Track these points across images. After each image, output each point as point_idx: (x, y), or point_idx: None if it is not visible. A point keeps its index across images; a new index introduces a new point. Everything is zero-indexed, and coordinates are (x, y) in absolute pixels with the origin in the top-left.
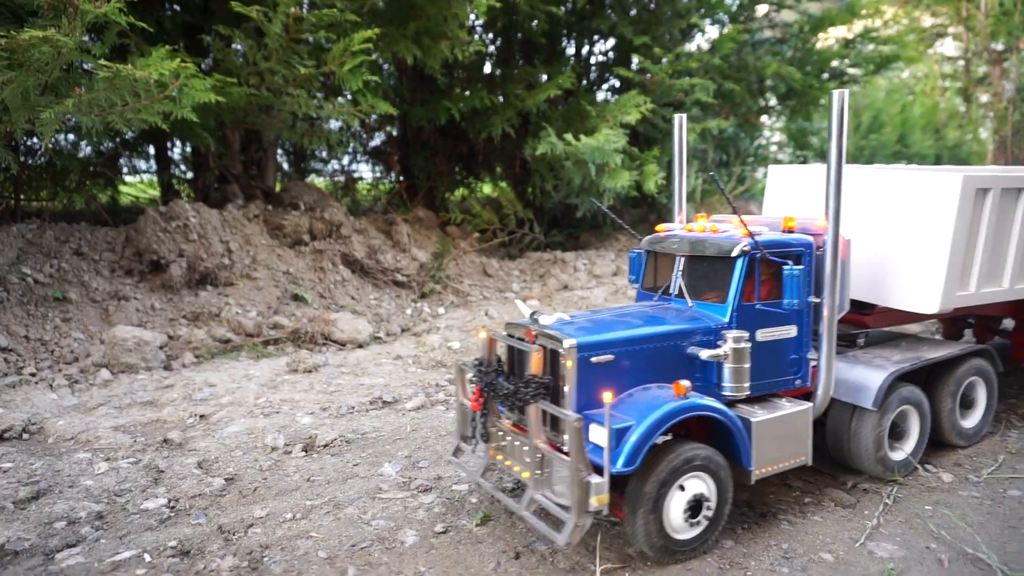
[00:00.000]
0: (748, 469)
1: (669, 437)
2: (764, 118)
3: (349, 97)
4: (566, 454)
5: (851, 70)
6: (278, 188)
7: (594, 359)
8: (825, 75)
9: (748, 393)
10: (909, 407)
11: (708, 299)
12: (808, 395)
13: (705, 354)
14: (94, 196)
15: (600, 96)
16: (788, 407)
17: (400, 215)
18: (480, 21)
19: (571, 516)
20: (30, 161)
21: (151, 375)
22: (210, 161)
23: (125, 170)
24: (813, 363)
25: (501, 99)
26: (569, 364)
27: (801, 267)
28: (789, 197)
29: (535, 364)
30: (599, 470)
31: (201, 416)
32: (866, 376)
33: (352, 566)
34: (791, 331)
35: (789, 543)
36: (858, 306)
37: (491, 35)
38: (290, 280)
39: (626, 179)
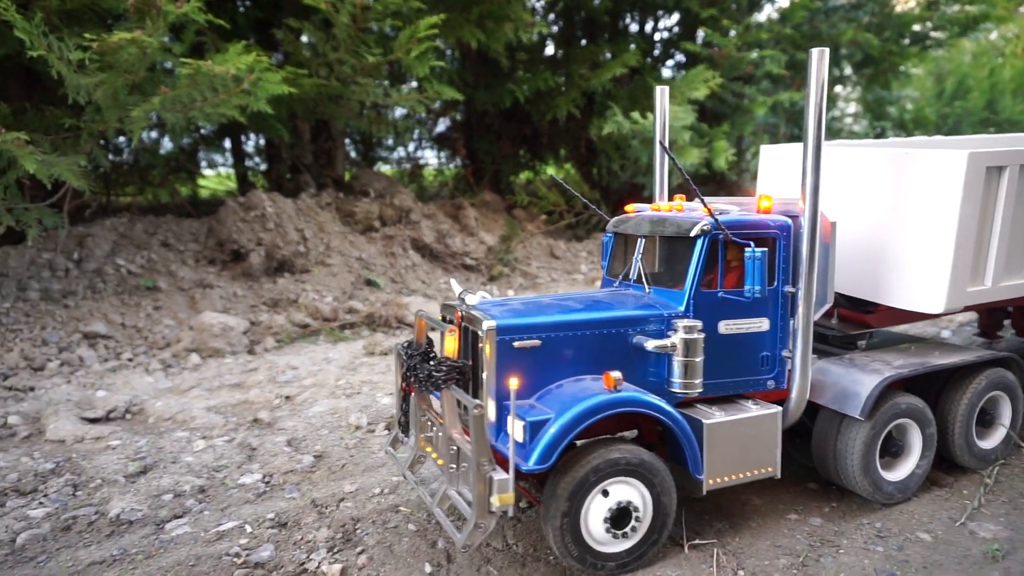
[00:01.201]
0: (696, 477)
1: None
2: (838, 88)
3: (414, 84)
4: None
5: (934, 33)
6: (348, 176)
7: (517, 344)
8: (905, 40)
9: (700, 391)
10: (908, 421)
11: (667, 285)
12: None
13: (651, 345)
14: (176, 190)
15: (666, 73)
16: (753, 410)
17: (467, 199)
18: (542, 2)
19: (472, 515)
20: (116, 159)
21: (236, 359)
22: (282, 152)
23: (203, 164)
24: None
25: (565, 80)
26: (488, 348)
27: (763, 250)
28: (783, 179)
29: (449, 346)
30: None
31: (287, 397)
32: (857, 381)
33: (441, 539)
34: (762, 324)
35: (882, 522)
36: (860, 304)
37: (553, 15)
38: (363, 266)
39: (695, 156)
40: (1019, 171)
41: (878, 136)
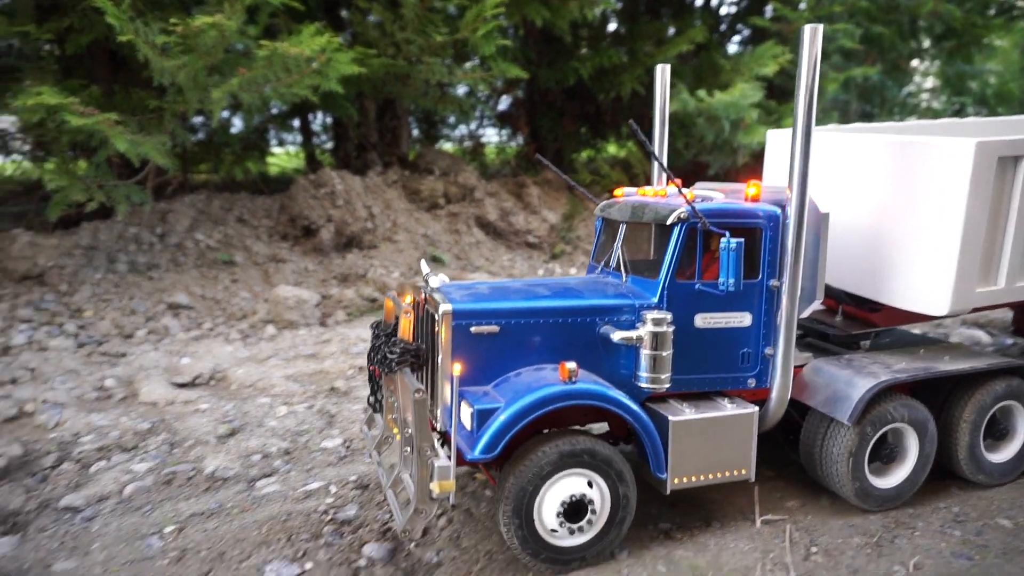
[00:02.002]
0: (658, 475)
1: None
2: (915, 62)
3: (478, 62)
4: (439, 432)
5: (1021, 3)
6: (412, 155)
7: (475, 329)
8: (990, 11)
9: (668, 387)
10: (904, 426)
11: (645, 274)
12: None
13: (617, 336)
14: (249, 168)
15: (732, 49)
16: (728, 409)
17: (529, 177)
18: None
19: (413, 500)
20: (192, 138)
21: (310, 331)
22: (349, 131)
23: (274, 142)
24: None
25: (628, 57)
26: (444, 331)
27: (739, 241)
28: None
29: (404, 328)
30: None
31: (360, 368)
32: (850, 384)
33: None
34: (743, 319)
35: (960, 507)
36: (866, 302)
37: None
38: (428, 242)
39: (762, 135)
40: None
41: (956, 113)
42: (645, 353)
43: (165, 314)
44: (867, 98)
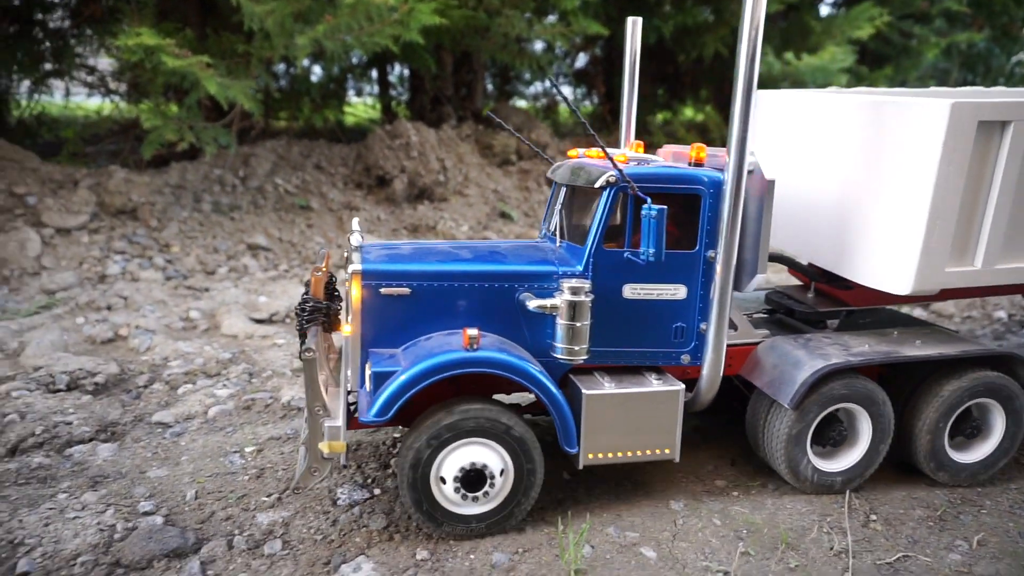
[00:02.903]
0: (567, 449)
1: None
2: None
3: (558, 17)
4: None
5: None
6: (486, 110)
7: (384, 290)
8: None
9: (584, 358)
10: (855, 407)
11: (576, 240)
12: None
13: (533, 304)
14: (327, 117)
15: (826, 10)
16: (653, 385)
17: (603, 137)
18: None
19: (307, 458)
20: (275, 85)
21: None
22: (426, 83)
23: (351, 93)
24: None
25: (714, 17)
26: (354, 292)
27: (661, 208)
28: (781, 130)
29: (314, 286)
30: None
31: None
32: (797, 365)
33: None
34: (677, 291)
35: None
36: (839, 278)
37: None
38: (498, 198)
39: None
40: None
41: None
42: (561, 323)
43: (245, 254)
44: (970, 66)
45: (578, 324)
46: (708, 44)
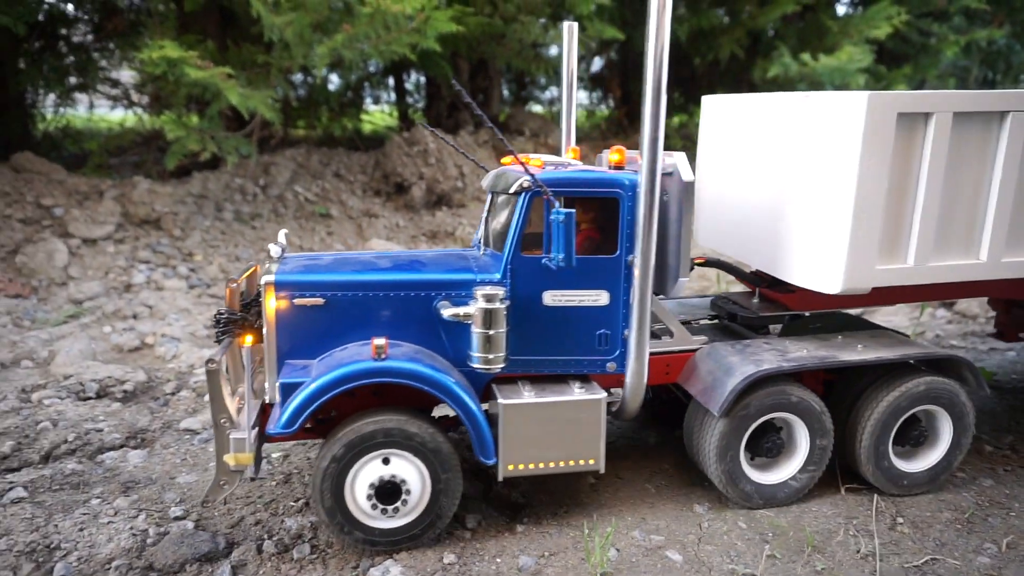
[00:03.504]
0: (483, 460)
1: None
2: None
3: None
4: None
5: None
6: (503, 116)
7: (298, 301)
8: None
9: (501, 367)
10: (793, 417)
11: (498, 247)
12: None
13: (447, 312)
14: (345, 125)
15: (842, 10)
16: (575, 394)
17: (619, 141)
18: None
19: (216, 471)
20: (292, 95)
21: None
22: (442, 90)
23: (368, 101)
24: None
25: (729, 19)
26: (267, 303)
27: (568, 212)
28: (726, 135)
29: (228, 299)
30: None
31: None
32: (729, 371)
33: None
34: (599, 298)
35: None
36: (783, 282)
37: None
38: None
39: None
40: (955, 121)
41: None
42: (476, 332)
43: (266, 262)
44: (991, 64)
45: (492, 333)
46: (724, 46)
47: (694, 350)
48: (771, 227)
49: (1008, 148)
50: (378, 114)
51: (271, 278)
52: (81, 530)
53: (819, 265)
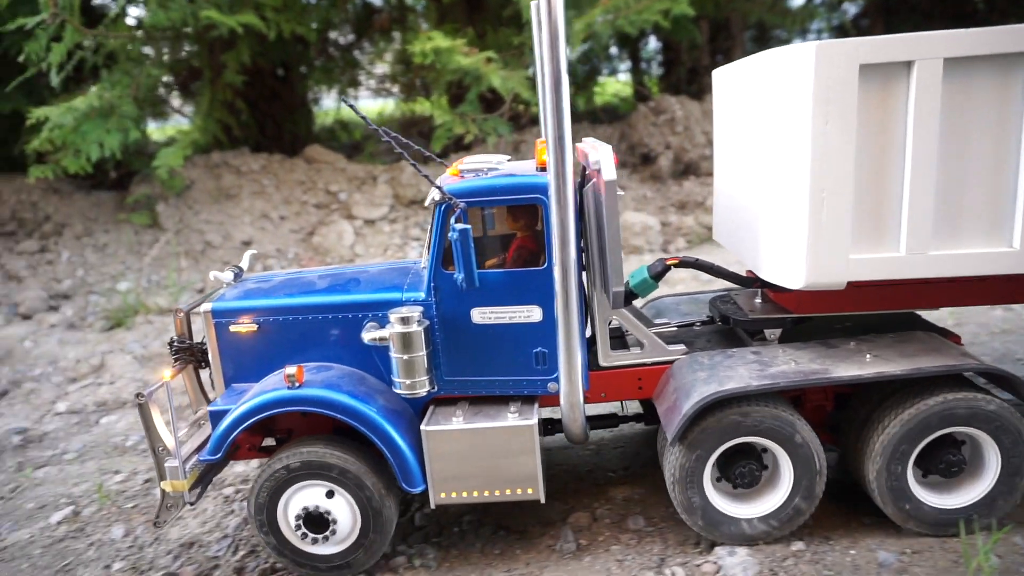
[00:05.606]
0: (405, 487)
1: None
2: None
3: None
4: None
5: None
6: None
7: (233, 328)
8: None
9: (426, 391)
10: (770, 443)
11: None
12: None
13: (367, 337)
14: (588, 98)
15: None
16: (507, 419)
17: None
18: None
19: (161, 497)
20: None
21: (654, 256)
22: (681, 55)
23: (604, 71)
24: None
25: None
26: (209, 330)
27: (465, 227)
28: (728, 113)
29: (177, 326)
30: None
31: None
32: (688, 393)
33: None
34: (531, 314)
35: None
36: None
37: None
38: None
39: None
40: (944, 69)
41: None
42: (393, 356)
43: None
44: None
45: (407, 357)
46: None
47: (670, 361)
48: (749, 216)
49: None
50: (609, 84)
51: (208, 306)
52: None
53: (781, 257)
